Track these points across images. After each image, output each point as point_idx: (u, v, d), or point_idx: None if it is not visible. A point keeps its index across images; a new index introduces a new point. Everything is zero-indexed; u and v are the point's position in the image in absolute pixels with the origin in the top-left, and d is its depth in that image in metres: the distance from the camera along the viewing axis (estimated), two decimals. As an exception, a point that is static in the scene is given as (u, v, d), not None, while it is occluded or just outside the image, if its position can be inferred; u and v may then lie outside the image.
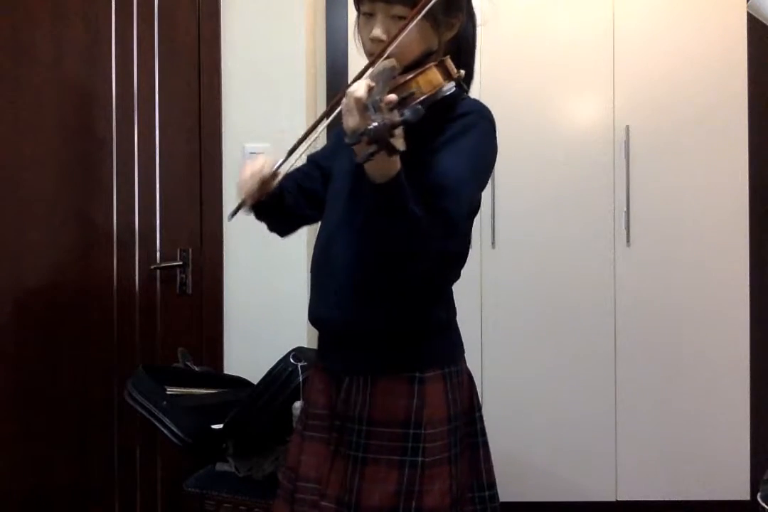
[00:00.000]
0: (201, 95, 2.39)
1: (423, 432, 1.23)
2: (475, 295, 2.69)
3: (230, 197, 2.41)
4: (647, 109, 2.69)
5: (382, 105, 1.01)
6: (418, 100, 1.12)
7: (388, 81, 1.09)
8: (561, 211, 2.69)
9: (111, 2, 2.38)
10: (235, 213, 1.34)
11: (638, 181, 2.68)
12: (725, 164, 2.68)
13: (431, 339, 1.29)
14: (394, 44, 1.19)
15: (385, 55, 1.18)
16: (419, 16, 1.17)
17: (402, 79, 1.15)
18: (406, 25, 1.18)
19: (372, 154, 0.99)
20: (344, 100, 1.08)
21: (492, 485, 1.34)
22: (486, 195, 2.68)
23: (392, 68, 1.14)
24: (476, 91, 2.63)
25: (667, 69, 2.68)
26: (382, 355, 1.28)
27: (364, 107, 1.03)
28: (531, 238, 2.70)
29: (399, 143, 1.01)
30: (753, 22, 2.55)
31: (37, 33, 2.37)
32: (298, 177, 1.43)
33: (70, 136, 2.39)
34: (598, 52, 2.69)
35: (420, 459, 1.22)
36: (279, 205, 1.36)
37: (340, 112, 1.14)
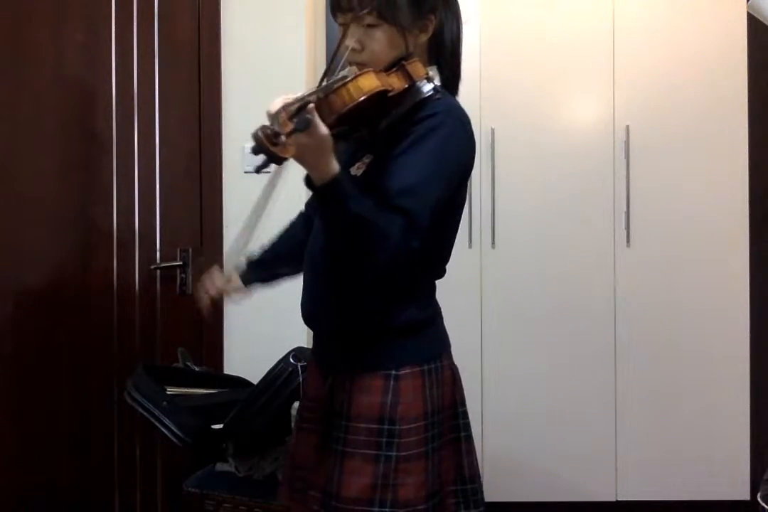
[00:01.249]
0: (201, 95, 2.39)
1: (397, 428, 1.27)
2: (475, 295, 2.69)
3: (230, 197, 2.42)
4: (647, 109, 2.69)
5: (282, 115, 1.06)
6: (342, 112, 1.13)
7: (322, 90, 1.13)
8: (561, 211, 2.69)
9: (111, 2, 2.37)
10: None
11: (638, 181, 2.68)
12: (725, 164, 2.68)
13: (406, 338, 1.32)
14: (366, 49, 1.25)
15: (340, 66, 1.22)
16: (351, 27, 1.21)
17: (336, 85, 1.16)
18: (344, 36, 1.22)
19: (264, 164, 1.06)
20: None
21: (474, 478, 1.38)
22: (486, 195, 2.69)
23: (341, 78, 1.16)
24: (476, 91, 2.65)
25: (667, 69, 2.68)
26: (357, 353, 1.33)
27: (270, 120, 1.09)
28: (531, 238, 2.70)
29: (286, 150, 1.05)
30: (753, 22, 2.55)
31: (37, 33, 2.37)
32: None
33: (70, 136, 2.39)
34: (598, 52, 2.69)
35: (394, 453, 1.26)
36: (284, 268, 1.54)
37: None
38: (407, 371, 1.30)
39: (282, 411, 1.86)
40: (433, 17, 1.31)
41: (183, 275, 2.39)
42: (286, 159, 1.07)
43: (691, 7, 2.68)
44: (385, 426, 1.27)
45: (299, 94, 1.12)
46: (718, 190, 2.68)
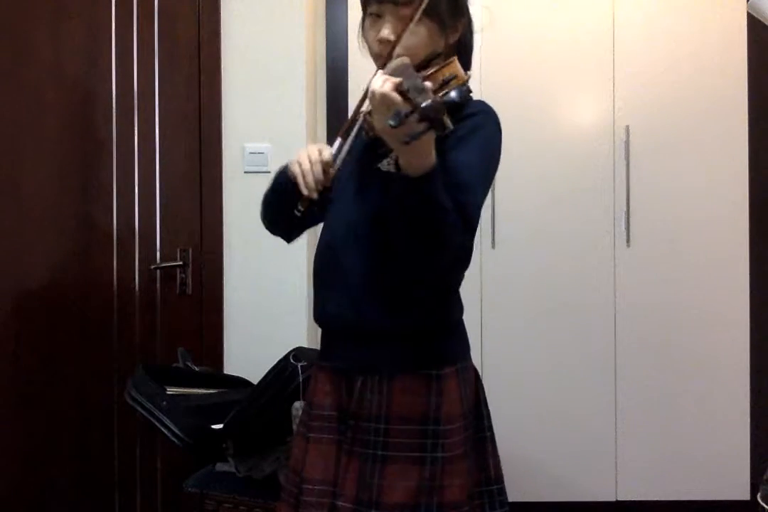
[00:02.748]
0: (201, 95, 2.39)
1: (442, 428, 1.25)
2: (475, 295, 2.69)
3: (230, 197, 2.42)
4: (647, 109, 2.68)
5: (426, 86, 1.01)
6: (455, 86, 1.10)
7: (410, 75, 1.08)
8: (561, 211, 2.69)
9: (111, 2, 2.38)
10: (306, 207, 1.24)
11: (638, 181, 2.68)
12: (725, 164, 2.68)
13: (447, 337, 1.33)
14: (401, 43, 1.20)
15: (394, 56, 1.20)
16: (419, 12, 1.19)
17: (427, 72, 1.15)
18: (409, 22, 1.20)
19: (421, 133, 1.00)
20: (374, 93, 1.06)
21: (499, 479, 1.36)
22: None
23: (407, 65, 1.12)
24: (476, 91, 2.64)
25: (667, 69, 2.68)
26: (400, 353, 1.28)
27: (403, 92, 1.02)
28: (531, 238, 2.70)
29: (448, 122, 1.01)
30: (753, 22, 2.55)
31: (37, 33, 2.37)
32: None
33: (70, 136, 2.39)
34: (598, 52, 2.69)
35: (440, 454, 1.24)
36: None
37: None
38: (447, 371, 1.28)
39: (282, 411, 1.85)
40: (463, 20, 1.32)
41: (183, 275, 2.39)
42: (449, 128, 1.02)
43: (691, 6, 2.68)
44: (430, 427, 1.24)
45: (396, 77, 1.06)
46: (718, 190, 2.68)
